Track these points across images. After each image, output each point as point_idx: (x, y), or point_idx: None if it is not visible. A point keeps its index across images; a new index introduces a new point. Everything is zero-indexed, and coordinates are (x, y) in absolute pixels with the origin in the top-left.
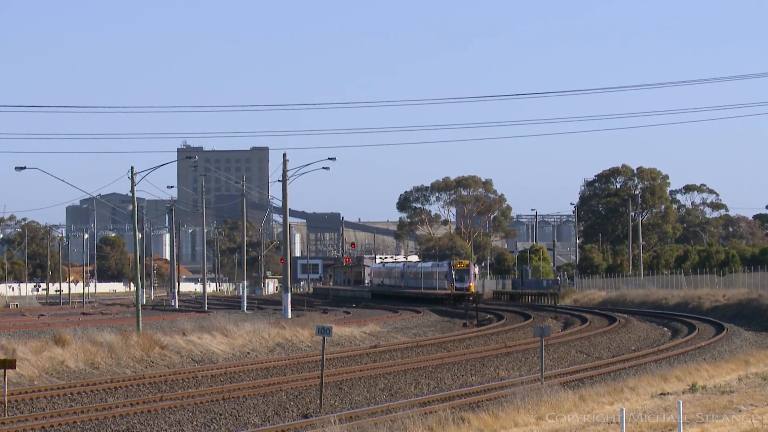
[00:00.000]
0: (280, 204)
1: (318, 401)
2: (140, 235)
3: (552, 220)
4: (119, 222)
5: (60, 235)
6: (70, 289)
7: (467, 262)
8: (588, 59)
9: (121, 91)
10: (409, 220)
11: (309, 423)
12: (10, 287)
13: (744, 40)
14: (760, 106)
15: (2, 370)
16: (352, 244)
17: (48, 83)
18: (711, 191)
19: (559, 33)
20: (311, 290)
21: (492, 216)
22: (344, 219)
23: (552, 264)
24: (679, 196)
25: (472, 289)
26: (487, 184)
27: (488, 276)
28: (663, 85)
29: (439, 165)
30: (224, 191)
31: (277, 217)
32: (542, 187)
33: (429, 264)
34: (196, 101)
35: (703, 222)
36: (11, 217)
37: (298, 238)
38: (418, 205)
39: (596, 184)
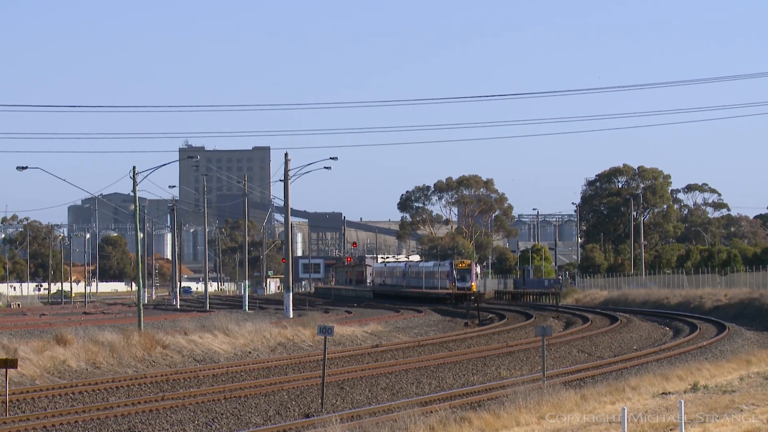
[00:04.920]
0: (281, 203)
1: (319, 401)
2: (142, 235)
3: (554, 219)
4: (121, 221)
5: (62, 234)
6: (71, 288)
7: (469, 261)
8: (589, 59)
9: (122, 90)
10: (410, 220)
11: (310, 422)
12: (12, 287)
13: (744, 40)
14: (761, 105)
15: (4, 370)
16: (354, 243)
17: (50, 83)
18: (713, 191)
19: (560, 33)
20: (313, 290)
21: (494, 215)
22: (346, 218)
23: (554, 263)
24: (680, 196)
25: (474, 289)
26: (488, 184)
27: (490, 275)
28: (663, 85)
29: (441, 164)
30: (226, 191)
31: (279, 217)
32: (544, 187)
33: (431, 263)
34: (197, 101)
35: (705, 222)
36: (13, 217)
37: (299, 237)
38: (420, 205)
39: (598, 184)
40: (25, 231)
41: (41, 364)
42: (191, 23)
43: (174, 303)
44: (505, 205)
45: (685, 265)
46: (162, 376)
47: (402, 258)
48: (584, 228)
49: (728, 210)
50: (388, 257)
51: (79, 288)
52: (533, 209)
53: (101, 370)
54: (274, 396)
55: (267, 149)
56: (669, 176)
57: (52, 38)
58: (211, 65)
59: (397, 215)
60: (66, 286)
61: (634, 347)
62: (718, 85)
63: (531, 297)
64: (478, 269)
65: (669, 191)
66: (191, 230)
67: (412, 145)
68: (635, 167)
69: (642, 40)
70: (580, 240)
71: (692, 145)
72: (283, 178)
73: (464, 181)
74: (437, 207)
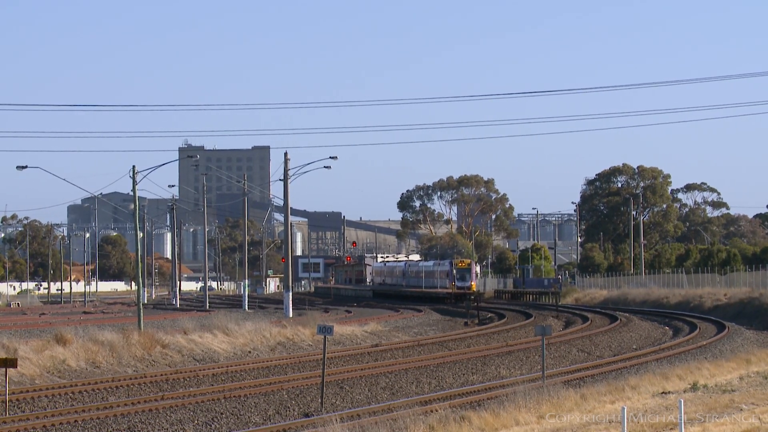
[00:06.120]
0: (281, 203)
1: (319, 400)
2: (141, 234)
3: (553, 219)
4: (121, 221)
5: (61, 234)
6: (71, 288)
7: (469, 261)
8: (589, 59)
9: (122, 89)
10: (411, 219)
11: (310, 422)
12: (11, 286)
13: (743, 40)
14: (761, 105)
15: (4, 369)
16: (354, 243)
17: (49, 82)
18: (712, 190)
19: (561, 33)
20: (313, 289)
21: (494, 215)
22: (345, 218)
23: (553, 263)
24: (680, 195)
25: (474, 288)
26: (489, 183)
27: (489, 275)
28: (663, 85)
29: (441, 164)
30: (225, 190)
31: (279, 216)
32: (544, 186)
33: (430, 263)
34: (197, 100)
35: (705, 221)
36: (13, 216)
37: (299, 237)
38: (420, 203)
39: (597, 183)
40: (25, 230)
41: (41, 363)
42: (191, 23)
43: (174, 302)
44: (506, 205)
45: (685, 264)
46: (162, 375)
47: (402, 257)
48: (584, 227)
49: (727, 209)
50: (387, 257)
51: (78, 287)
52: (533, 209)
53: (101, 369)
54: (273, 395)
55: (267, 149)
56: (668, 176)
57: (52, 38)
58: (211, 65)
59: (396, 215)
60: (66, 286)
61: (634, 347)
62: (717, 85)
63: (530, 296)
64: (478, 269)
65: (668, 191)
66: (191, 230)
67: (411, 144)
68: (635, 167)
69: (641, 40)
70: (579, 239)
71: (691, 144)
72: (282, 177)
73: (465, 181)
74: (437, 206)
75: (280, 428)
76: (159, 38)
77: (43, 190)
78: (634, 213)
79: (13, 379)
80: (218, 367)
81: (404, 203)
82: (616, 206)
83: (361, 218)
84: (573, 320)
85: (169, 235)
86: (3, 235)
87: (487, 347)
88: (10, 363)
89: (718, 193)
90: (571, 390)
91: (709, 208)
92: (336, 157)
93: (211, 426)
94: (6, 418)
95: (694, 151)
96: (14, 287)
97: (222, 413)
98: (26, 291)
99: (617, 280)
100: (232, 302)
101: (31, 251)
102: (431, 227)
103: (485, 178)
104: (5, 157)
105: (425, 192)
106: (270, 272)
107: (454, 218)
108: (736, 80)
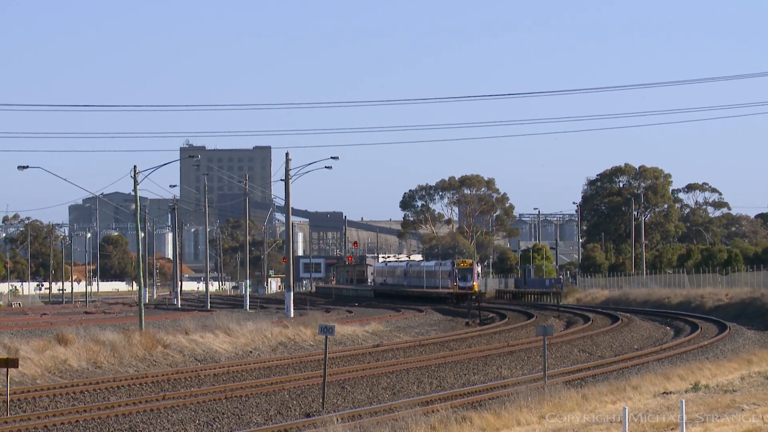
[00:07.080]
0: (282, 203)
1: (320, 400)
2: (143, 234)
3: (555, 219)
4: (122, 221)
5: (63, 234)
6: (72, 288)
7: (470, 261)
8: (589, 59)
9: (124, 90)
10: (412, 219)
11: (311, 422)
12: (12, 286)
13: (744, 40)
14: (762, 105)
15: (5, 369)
16: (355, 243)
17: (50, 82)
18: (713, 190)
19: (562, 32)
20: (314, 289)
21: (495, 215)
22: (347, 218)
23: (554, 263)
24: (681, 195)
25: (475, 288)
26: (490, 183)
27: (491, 275)
28: (663, 85)
29: (442, 164)
30: (227, 190)
31: (280, 216)
32: (545, 186)
33: (432, 263)
34: (199, 100)
35: (706, 221)
36: (15, 216)
37: (300, 237)
38: (422, 203)
39: (599, 183)
40: (26, 230)
41: (42, 363)
42: (192, 23)
43: (175, 302)
44: (507, 204)
45: (686, 264)
46: (163, 375)
47: (403, 257)
48: (585, 227)
49: (729, 209)
50: (389, 257)
51: (80, 287)
52: (534, 209)
53: (102, 369)
54: (275, 395)
55: (268, 149)
56: (669, 176)
57: (53, 38)
58: (211, 65)
59: (397, 215)
60: (67, 286)
61: (635, 347)
62: (719, 85)
63: (532, 296)
64: (479, 269)
65: (670, 191)
66: (192, 230)
67: (413, 144)
68: (636, 167)
69: (641, 40)
70: (581, 239)
71: (692, 144)
72: (284, 177)
73: (466, 181)
74: (439, 206)
75: (282, 428)
76: (159, 38)
77: (44, 190)
78: (635, 213)
79: (15, 379)
80: (219, 367)
81: (406, 203)
82: (618, 206)
83: (362, 218)
84: (574, 320)
85: (170, 235)
86: (4, 235)
87: (488, 347)
88: (12, 363)
89: (720, 193)
90: (573, 390)
91: (710, 208)
92: (337, 157)
93: (212, 426)
94: (7, 417)
95: (695, 152)
96: (14, 287)
97: (223, 413)
98: (13, 291)
99: (618, 280)
100: (234, 302)
101: (33, 251)
102: (432, 227)
103: (486, 178)
104: (6, 157)
105: (427, 192)
106: (271, 272)
107: (456, 218)
108: (738, 80)
